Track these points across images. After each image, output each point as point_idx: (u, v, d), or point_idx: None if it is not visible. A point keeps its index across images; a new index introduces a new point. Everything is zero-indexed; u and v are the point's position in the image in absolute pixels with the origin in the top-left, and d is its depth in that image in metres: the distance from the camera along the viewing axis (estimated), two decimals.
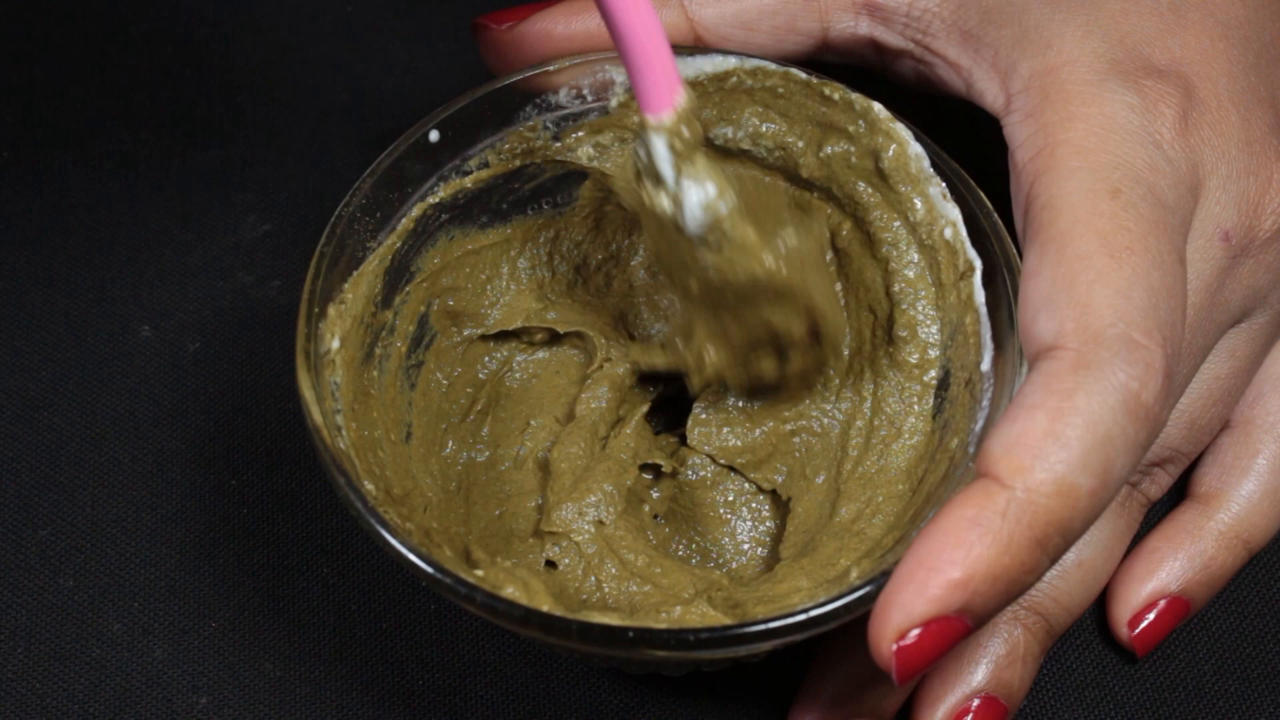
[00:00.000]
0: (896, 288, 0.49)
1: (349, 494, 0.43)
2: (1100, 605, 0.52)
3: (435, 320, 0.51)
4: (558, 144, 0.50)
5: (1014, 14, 0.47)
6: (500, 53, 0.51)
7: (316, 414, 0.44)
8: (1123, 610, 0.51)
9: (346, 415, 0.46)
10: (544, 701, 0.51)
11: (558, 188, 0.52)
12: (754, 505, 0.52)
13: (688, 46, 0.50)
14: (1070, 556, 0.49)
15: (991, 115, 0.47)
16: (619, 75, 0.50)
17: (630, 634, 0.41)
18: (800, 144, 0.50)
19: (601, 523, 0.50)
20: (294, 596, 0.53)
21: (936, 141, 0.48)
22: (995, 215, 0.47)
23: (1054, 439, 0.39)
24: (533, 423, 0.52)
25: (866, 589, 0.41)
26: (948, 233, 0.48)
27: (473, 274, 0.52)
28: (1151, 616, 0.50)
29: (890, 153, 0.48)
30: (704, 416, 0.52)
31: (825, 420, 0.51)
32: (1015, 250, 0.46)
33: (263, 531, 0.54)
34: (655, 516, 0.52)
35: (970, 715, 0.48)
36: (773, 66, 0.49)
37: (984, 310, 0.46)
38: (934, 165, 0.48)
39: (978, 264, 0.47)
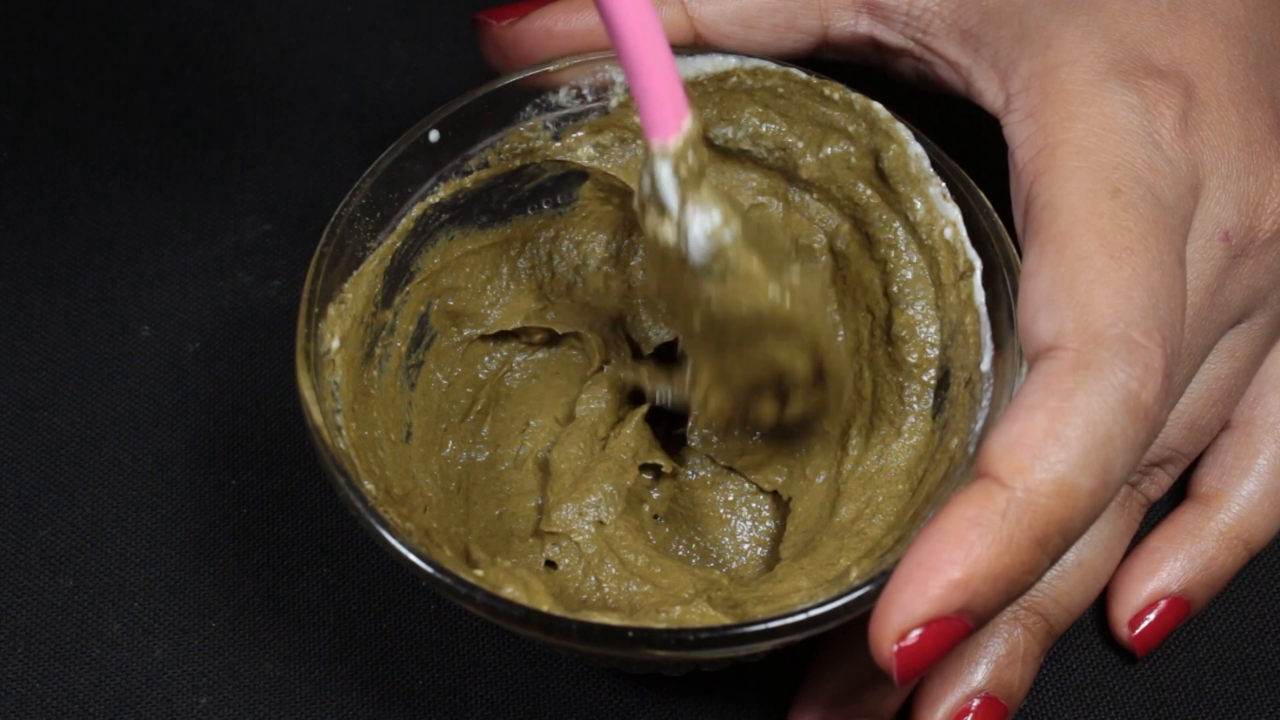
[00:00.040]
0: (895, 288, 0.49)
1: (349, 494, 0.43)
2: (1100, 605, 0.52)
3: (435, 320, 0.51)
4: (558, 144, 0.50)
5: (1014, 14, 0.47)
6: (500, 49, 0.51)
7: (316, 414, 0.44)
8: (1123, 610, 0.50)
9: (346, 415, 0.46)
10: (544, 701, 0.51)
11: (558, 188, 0.52)
12: (754, 505, 0.52)
13: (687, 46, 0.50)
14: (1070, 556, 0.49)
15: (991, 115, 0.47)
16: (619, 75, 0.50)
17: (630, 634, 0.41)
18: (800, 144, 0.50)
19: (601, 523, 0.50)
20: (294, 596, 0.53)
21: (936, 141, 0.48)
22: (995, 215, 0.47)
23: (1054, 439, 0.39)
24: (532, 423, 0.52)
25: (866, 589, 0.41)
26: (947, 233, 0.48)
27: (473, 274, 0.52)
28: (1152, 617, 0.50)
29: (890, 153, 0.48)
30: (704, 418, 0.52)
31: (825, 420, 0.51)
32: (1015, 250, 0.46)
33: (263, 531, 0.54)
34: (655, 516, 0.52)
35: (970, 715, 0.48)
36: (772, 66, 0.49)
37: (984, 310, 0.46)
38: (934, 165, 0.48)
39: (977, 264, 0.47)
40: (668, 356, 0.52)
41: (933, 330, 0.49)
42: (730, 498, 0.52)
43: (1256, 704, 0.51)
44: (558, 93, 0.50)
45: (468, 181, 0.50)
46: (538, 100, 0.50)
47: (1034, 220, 0.43)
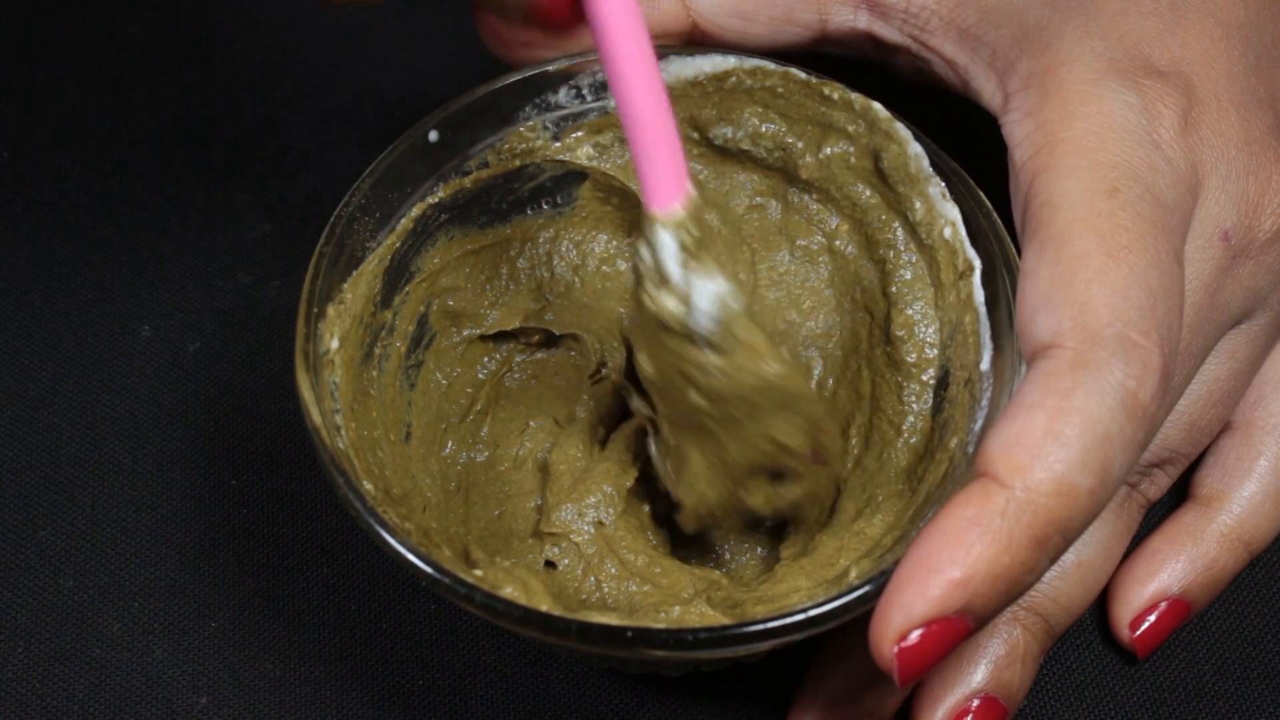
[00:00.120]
0: (894, 288, 0.49)
1: (348, 494, 0.43)
2: (1100, 605, 0.52)
3: (435, 320, 0.51)
4: (557, 144, 0.50)
5: (1012, 13, 0.47)
6: (500, 37, 0.51)
7: (315, 414, 0.44)
8: (1124, 612, 0.50)
9: (346, 415, 0.46)
10: (544, 701, 0.51)
11: (557, 188, 0.52)
12: None
13: (687, 46, 0.50)
14: (1069, 557, 0.49)
15: (989, 113, 0.47)
16: None
17: (629, 634, 0.41)
18: (799, 144, 0.50)
19: (601, 523, 0.50)
20: (294, 596, 0.53)
21: (936, 140, 0.48)
22: (994, 215, 0.47)
23: (1053, 438, 0.39)
24: (532, 423, 0.52)
25: (866, 589, 0.41)
26: (947, 232, 0.48)
27: (472, 274, 0.52)
28: (1153, 618, 0.50)
29: (889, 153, 0.48)
30: None
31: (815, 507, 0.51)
32: (1015, 250, 0.46)
33: (263, 531, 0.54)
34: (655, 517, 0.52)
35: (970, 715, 0.48)
36: (772, 66, 0.49)
37: (983, 310, 0.46)
38: (933, 165, 0.48)
39: (977, 263, 0.47)
40: None
41: (932, 330, 0.49)
42: None
43: (1256, 704, 0.51)
44: (557, 92, 0.50)
45: (467, 181, 0.50)
46: (537, 100, 0.50)
47: (1032, 219, 0.43)
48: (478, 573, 0.43)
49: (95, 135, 0.62)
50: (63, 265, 0.59)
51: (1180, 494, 0.52)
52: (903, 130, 0.48)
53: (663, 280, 0.42)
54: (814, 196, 0.51)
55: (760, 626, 0.41)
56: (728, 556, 0.51)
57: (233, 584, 0.53)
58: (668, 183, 0.41)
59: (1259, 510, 0.51)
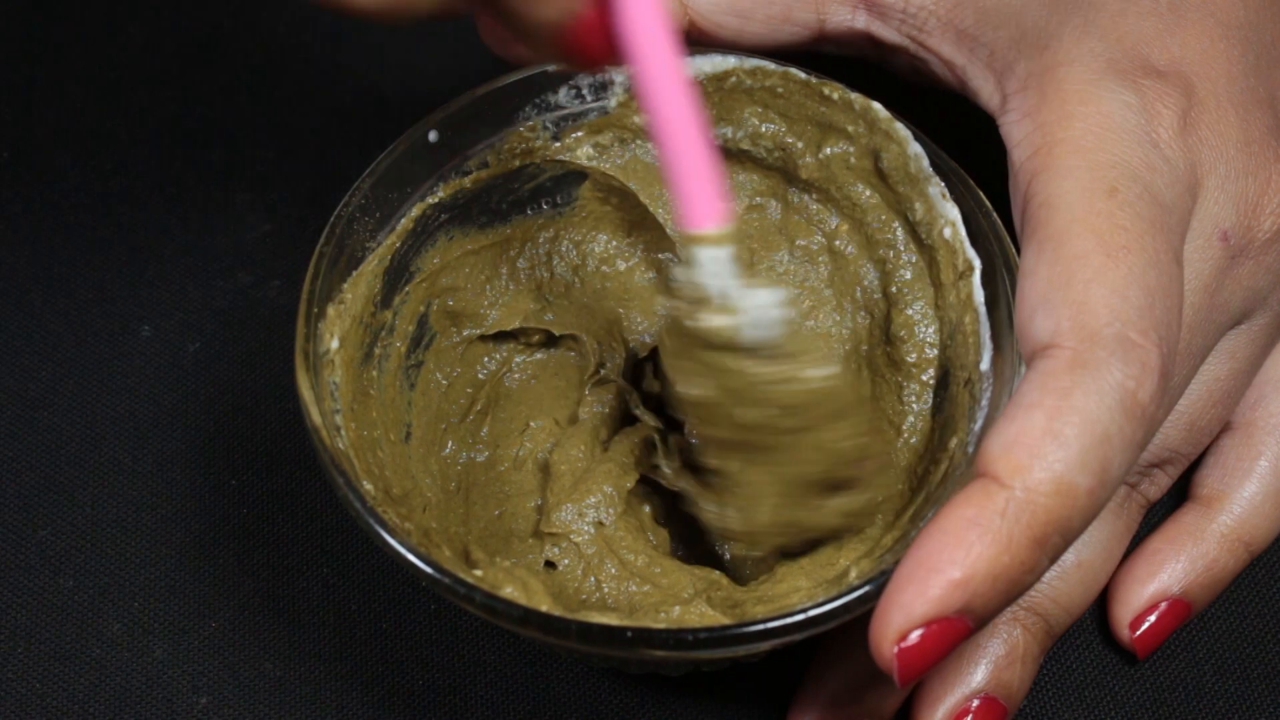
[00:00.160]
0: (894, 288, 0.49)
1: (348, 494, 0.43)
2: (1100, 605, 0.52)
3: (434, 320, 0.51)
4: (557, 144, 0.50)
5: (1011, 14, 0.47)
6: (499, 32, 0.51)
7: (315, 414, 0.44)
8: (1124, 612, 0.50)
9: (345, 415, 0.46)
10: (544, 701, 0.51)
11: (557, 188, 0.52)
12: None
13: (687, 46, 0.50)
14: (1069, 557, 0.49)
15: (987, 113, 0.47)
16: (618, 75, 0.50)
17: (629, 634, 0.41)
18: (799, 144, 0.50)
19: (601, 524, 0.50)
20: (294, 596, 0.53)
21: (935, 140, 0.48)
22: (994, 215, 0.47)
23: (1052, 438, 0.39)
24: (532, 424, 0.52)
25: (865, 589, 0.41)
26: (947, 232, 0.48)
27: (472, 274, 0.52)
28: (1153, 618, 0.50)
29: (889, 153, 0.48)
30: None
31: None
32: (1014, 250, 0.46)
33: (263, 531, 0.54)
34: (655, 517, 0.52)
35: (970, 716, 0.48)
36: (772, 66, 0.49)
37: (983, 310, 0.46)
38: (933, 165, 0.48)
39: (977, 263, 0.47)
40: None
41: (932, 330, 0.49)
42: None
43: (1256, 704, 0.51)
44: (557, 92, 0.50)
45: (467, 182, 0.50)
46: (537, 100, 0.50)
47: (1031, 219, 0.43)
48: (478, 573, 0.43)
49: (95, 135, 0.62)
50: (63, 265, 0.59)
51: (1180, 494, 0.52)
52: (902, 130, 0.48)
53: (708, 298, 0.42)
54: (814, 196, 0.51)
55: (760, 626, 0.41)
56: (728, 557, 0.51)
57: (233, 584, 0.53)
58: (709, 200, 0.41)
59: (1259, 510, 0.51)
